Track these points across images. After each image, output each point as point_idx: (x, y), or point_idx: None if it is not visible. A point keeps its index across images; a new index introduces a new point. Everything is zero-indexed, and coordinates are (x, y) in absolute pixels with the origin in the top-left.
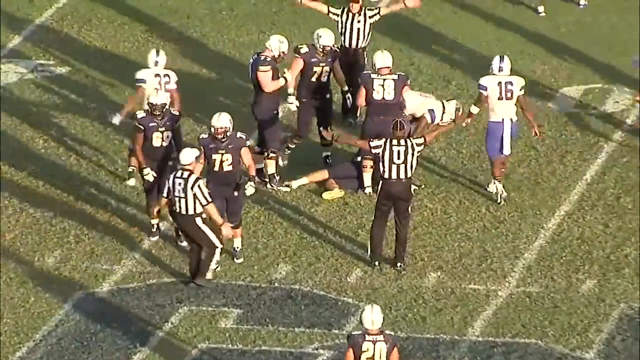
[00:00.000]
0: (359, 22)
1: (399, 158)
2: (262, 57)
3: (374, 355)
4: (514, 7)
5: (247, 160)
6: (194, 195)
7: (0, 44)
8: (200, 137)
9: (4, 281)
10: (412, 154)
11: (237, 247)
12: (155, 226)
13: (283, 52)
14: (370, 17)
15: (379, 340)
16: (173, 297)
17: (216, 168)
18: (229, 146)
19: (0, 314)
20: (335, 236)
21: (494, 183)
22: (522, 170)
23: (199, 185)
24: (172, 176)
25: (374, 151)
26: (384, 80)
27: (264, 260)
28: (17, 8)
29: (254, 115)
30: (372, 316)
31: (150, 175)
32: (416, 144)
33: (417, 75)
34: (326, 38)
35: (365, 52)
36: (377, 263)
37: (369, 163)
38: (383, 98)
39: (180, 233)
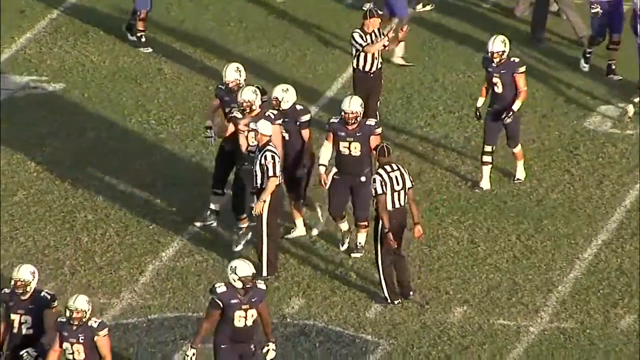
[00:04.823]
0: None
1: (398, 184)
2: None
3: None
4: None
5: (47, 323)
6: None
7: None
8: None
9: None
10: (406, 177)
11: None
12: None
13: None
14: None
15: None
16: (176, 333)
17: (15, 330)
18: (29, 306)
19: None
20: (352, 267)
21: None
22: (556, 196)
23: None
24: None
25: (381, 196)
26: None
27: (275, 293)
28: (7, 19)
29: None
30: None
31: None
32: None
33: (442, 92)
34: None
35: (382, 74)
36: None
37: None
38: None
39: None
